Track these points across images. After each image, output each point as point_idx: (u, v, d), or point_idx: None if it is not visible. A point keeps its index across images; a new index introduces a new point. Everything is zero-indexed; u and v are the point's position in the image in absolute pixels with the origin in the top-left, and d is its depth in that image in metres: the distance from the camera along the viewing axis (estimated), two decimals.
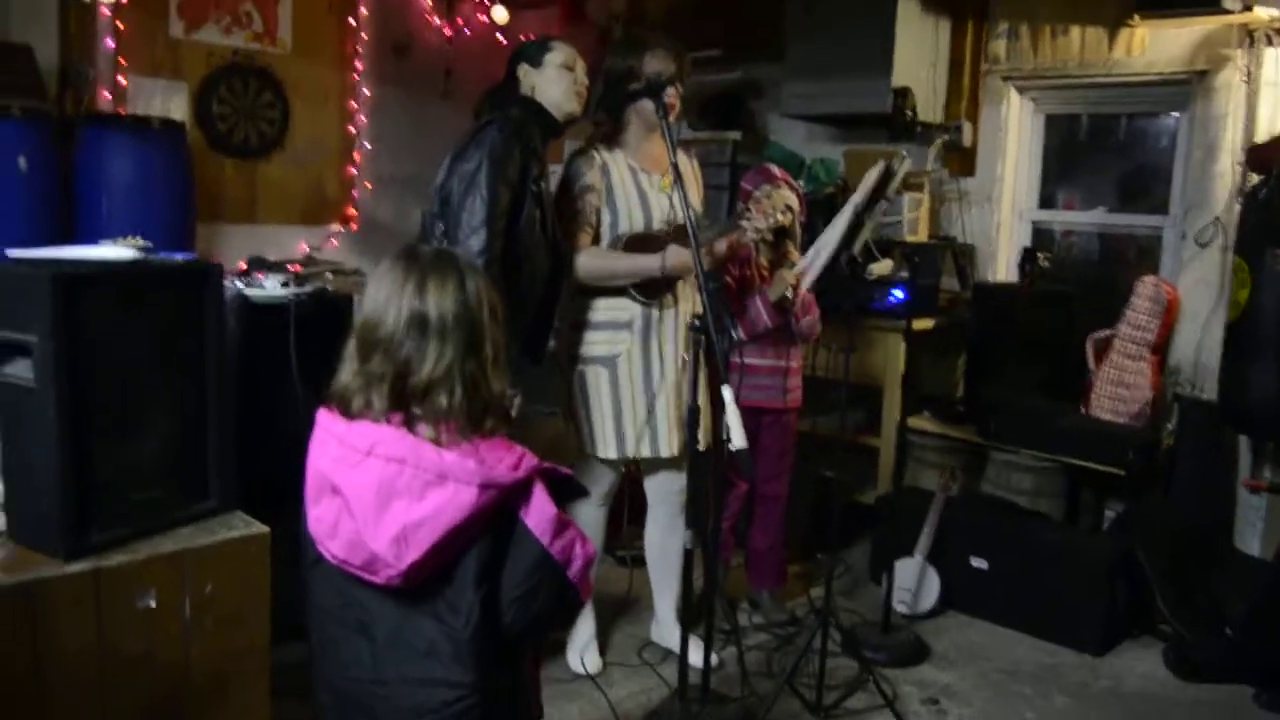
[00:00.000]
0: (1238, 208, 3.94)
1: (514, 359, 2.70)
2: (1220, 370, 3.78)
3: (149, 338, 2.41)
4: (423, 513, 1.46)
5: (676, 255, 2.93)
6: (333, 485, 1.54)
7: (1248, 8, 3.83)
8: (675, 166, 2.63)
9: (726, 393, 2.31)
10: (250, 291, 3.24)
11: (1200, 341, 4.16)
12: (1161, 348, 4.22)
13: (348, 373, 1.59)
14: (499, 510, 1.51)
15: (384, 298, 1.58)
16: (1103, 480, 4.08)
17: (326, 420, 1.60)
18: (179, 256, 2.63)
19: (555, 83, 2.88)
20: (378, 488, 1.48)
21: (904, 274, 3.99)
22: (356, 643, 1.60)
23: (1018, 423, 4.06)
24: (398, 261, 1.62)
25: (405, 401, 1.55)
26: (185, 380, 2.50)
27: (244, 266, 3.81)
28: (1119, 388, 4.23)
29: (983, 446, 4.24)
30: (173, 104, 5.06)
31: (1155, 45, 4.24)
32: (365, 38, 5.82)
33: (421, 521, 1.46)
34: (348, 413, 1.57)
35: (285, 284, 3.28)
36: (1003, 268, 4.77)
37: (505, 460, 1.53)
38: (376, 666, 1.58)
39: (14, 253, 2.35)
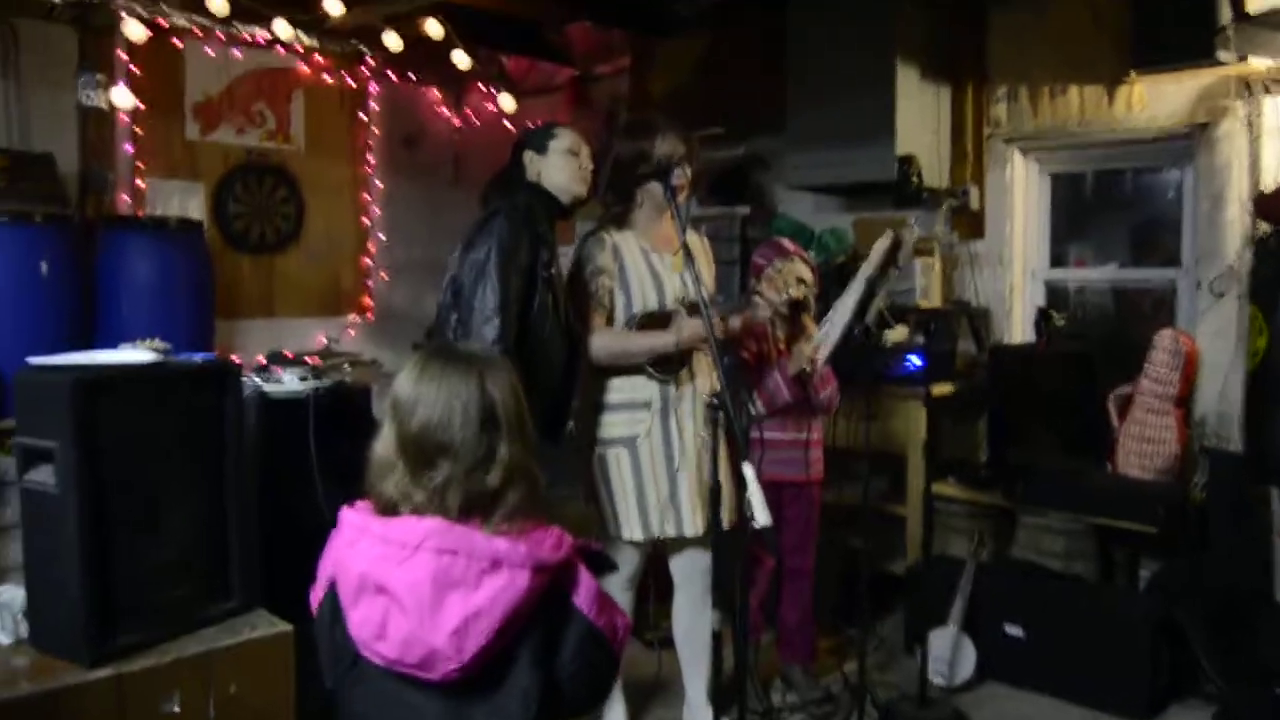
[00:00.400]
0: (1249, 256, 3.93)
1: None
2: (1244, 420, 3.74)
3: (169, 438, 2.43)
4: (480, 602, 1.46)
5: (690, 327, 2.94)
6: (377, 585, 1.51)
7: (1243, 59, 3.86)
8: (686, 246, 2.65)
9: (747, 470, 2.29)
10: (269, 387, 3.26)
11: (1223, 392, 4.12)
12: (1185, 400, 4.18)
13: (398, 481, 1.57)
14: (549, 591, 1.53)
15: (443, 401, 1.56)
16: (1135, 539, 4.01)
17: (359, 520, 1.58)
18: (198, 357, 2.66)
19: (561, 168, 2.92)
20: (432, 581, 1.47)
21: (919, 340, 3.99)
22: None
23: (1045, 485, 4.01)
24: (447, 364, 1.60)
25: (476, 500, 1.55)
26: (205, 479, 2.52)
27: (262, 362, 3.85)
28: (1145, 443, 4.18)
29: (1011, 510, 4.18)
30: (190, 204, 5.17)
31: (1154, 100, 4.27)
32: (376, 131, 5.94)
33: (480, 611, 1.46)
34: (391, 513, 1.57)
35: (304, 378, 3.30)
36: (1018, 328, 4.76)
37: (547, 541, 1.55)
38: None
39: (35, 360, 2.39)
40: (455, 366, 1.59)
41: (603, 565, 1.68)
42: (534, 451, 1.62)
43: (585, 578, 1.57)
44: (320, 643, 1.65)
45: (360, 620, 1.54)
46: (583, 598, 1.55)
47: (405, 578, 1.48)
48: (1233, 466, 3.90)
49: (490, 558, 1.47)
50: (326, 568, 1.63)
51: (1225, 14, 3.82)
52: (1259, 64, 3.90)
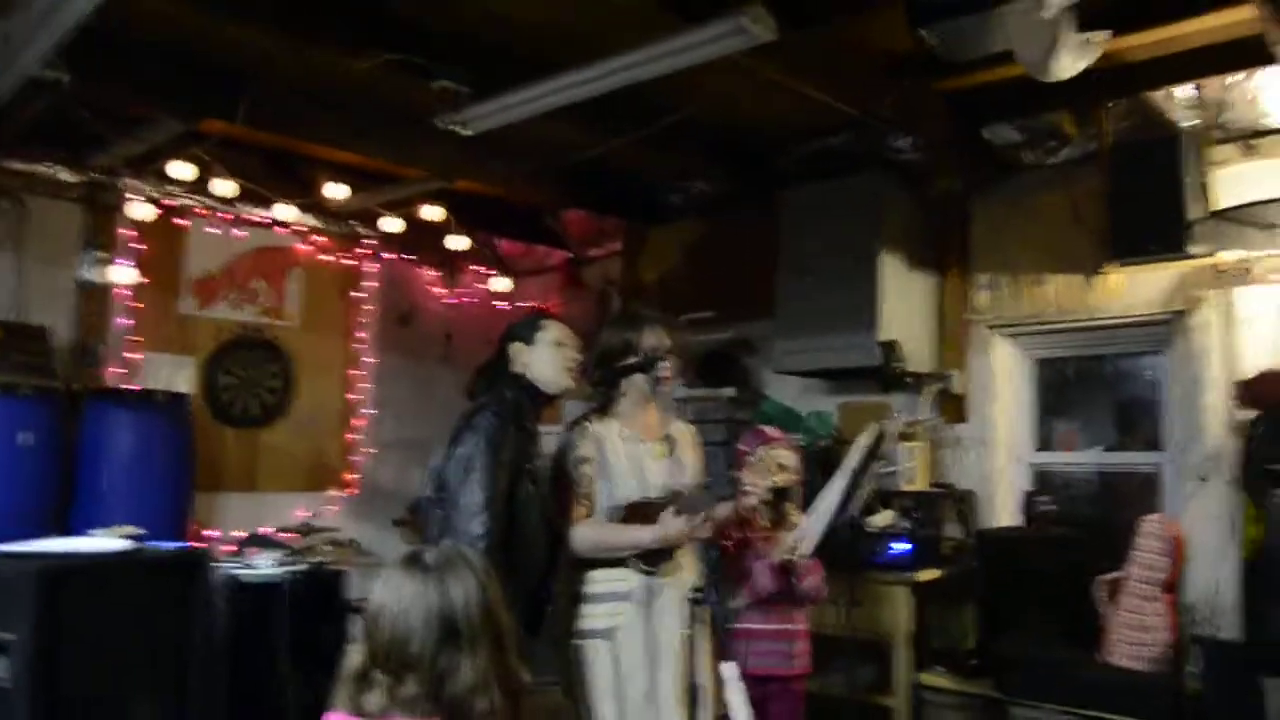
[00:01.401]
0: (1231, 441, 3.95)
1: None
2: (1243, 611, 3.67)
3: (134, 630, 2.37)
4: None
5: (670, 525, 2.90)
6: None
7: (1212, 252, 3.98)
8: (669, 437, 2.65)
9: (726, 670, 2.23)
10: (242, 572, 3.20)
11: (1214, 578, 4.06)
12: (1174, 586, 4.11)
13: (377, 695, 1.55)
14: None
15: (404, 613, 1.57)
16: None
17: None
18: (169, 546, 2.63)
19: (548, 361, 2.94)
20: None
21: (905, 524, 3.95)
22: None
23: (1037, 676, 3.90)
24: (409, 574, 1.62)
25: (445, 707, 1.54)
26: (169, 673, 2.44)
27: (238, 546, 3.80)
28: (1137, 631, 4.08)
29: (1002, 702, 4.05)
30: (179, 377, 5.22)
31: (1132, 289, 4.37)
32: (370, 309, 6.05)
33: None
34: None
35: (279, 563, 3.25)
36: (1004, 512, 4.72)
37: None
38: None
39: (1, 547, 2.35)
40: (415, 576, 1.59)
41: None
42: (509, 651, 1.61)
43: None
44: None
45: None
46: None
47: None
48: (1228, 656, 3.80)
49: None
50: None
51: (1196, 210, 3.96)
52: (1228, 257, 4.02)
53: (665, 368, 2.99)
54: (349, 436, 5.90)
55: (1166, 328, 4.34)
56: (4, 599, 2.20)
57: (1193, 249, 3.96)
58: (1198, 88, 4.05)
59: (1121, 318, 4.43)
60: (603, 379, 3.15)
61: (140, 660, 2.37)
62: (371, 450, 5.98)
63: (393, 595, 1.59)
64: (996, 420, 4.78)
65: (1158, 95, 4.07)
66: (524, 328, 2.99)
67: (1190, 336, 4.22)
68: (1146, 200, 4.07)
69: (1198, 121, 4.07)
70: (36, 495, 4.33)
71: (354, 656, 1.59)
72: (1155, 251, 4.10)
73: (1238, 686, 3.80)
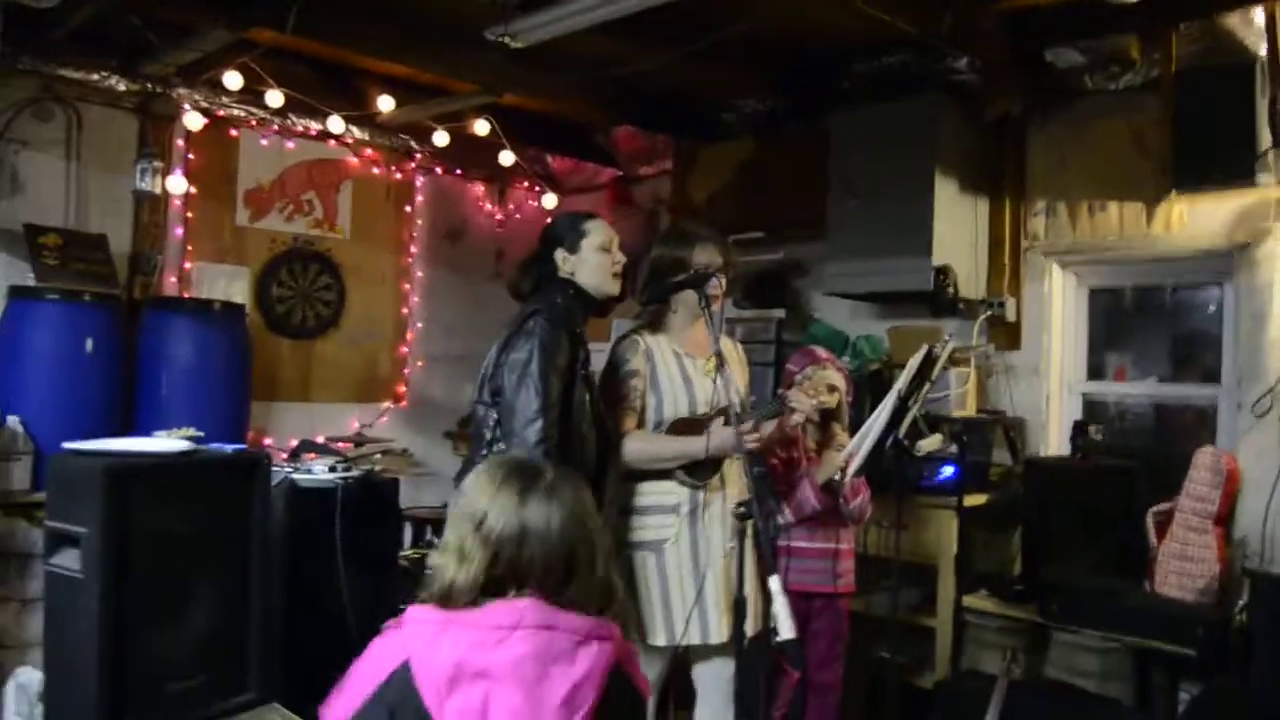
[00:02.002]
0: None
1: None
2: None
3: (196, 528, 2.44)
4: (579, 673, 1.59)
5: (720, 435, 2.92)
6: (475, 671, 1.57)
7: None
8: (719, 354, 2.66)
9: (773, 583, 2.26)
10: (299, 476, 3.27)
11: (1267, 512, 4.02)
12: (1225, 519, 4.08)
13: (473, 574, 1.65)
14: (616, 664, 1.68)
15: (550, 530, 1.67)
16: (1174, 661, 3.88)
17: (438, 616, 1.63)
18: (229, 447, 2.68)
19: (595, 268, 2.93)
20: (536, 657, 1.57)
21: (953, 449, 3.94)
22: None
23: (1080, 602, 3.90)
24: (532, 492, 1.70)
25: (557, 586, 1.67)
26: (229, 570, 2.52)
27: (294, 444, 3.87)
28: (1184, 562, 4.07)
29: (1044, 626, 4.07)
30: (234, 288, 5.28)
31: (1194, 219, 4.26)
32: (420, 224, 6.06)
33: (584, 679, 1.59)
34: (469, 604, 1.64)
35: (333, 469, 3.31)
36: (1054, 440, 4.69)
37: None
38: None
39: (69, 445, 2.42)
40: (538, 495, 1.70)
41: None
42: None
43: (627, 645, 1.74)
44: None
45: (460, 711, 1.57)
46: (629, 660, 1.71)
47: (505, 658, 1.56)
48: (1278, 590, 3.78)
49: (584, 631, 1.61)
50: (369, 676, 1.64)
51: (1265, 138, 3.84)
52: None
53: (716, 285, 2.98)
54: (401, 349, 5.97)
55: (1229, 260, 4.23)
56: (74, 494, 2.27)
57: (1261, 179, 3.84)
58: (1273, 13, 3.89)
59: (1182, 249, 4.32)
60: (653, 295, 3.15)
61: (202, 556, 2.45)
62: (420, 363, 6.05)
63: (532, 514, 1.67)
64: (1049, 348, 4.72)
65: (1232, 19, 3.92)
66: (567, 231, 2.96)
67: (1255, 270, 4.11)
68: (1214, 128, 3.95)
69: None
70: (100, 401, 4.43)
71: (465, 571, 1.65)
72: (1221, 181, 3.99)
73: None
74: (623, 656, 1.70)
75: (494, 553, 1.65)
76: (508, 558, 1.64)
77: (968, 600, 4.12)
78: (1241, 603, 3.91)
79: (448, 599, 1.64)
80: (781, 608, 2.24)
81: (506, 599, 1.63)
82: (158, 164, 4.84)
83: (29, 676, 2.48)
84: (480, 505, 1.69)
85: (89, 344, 4.37)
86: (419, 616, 1.64)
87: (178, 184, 5.01)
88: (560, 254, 2.93)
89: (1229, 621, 3.82)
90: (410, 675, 1.59)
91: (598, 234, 2.97)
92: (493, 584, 1.64)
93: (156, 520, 2.34)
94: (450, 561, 1.66)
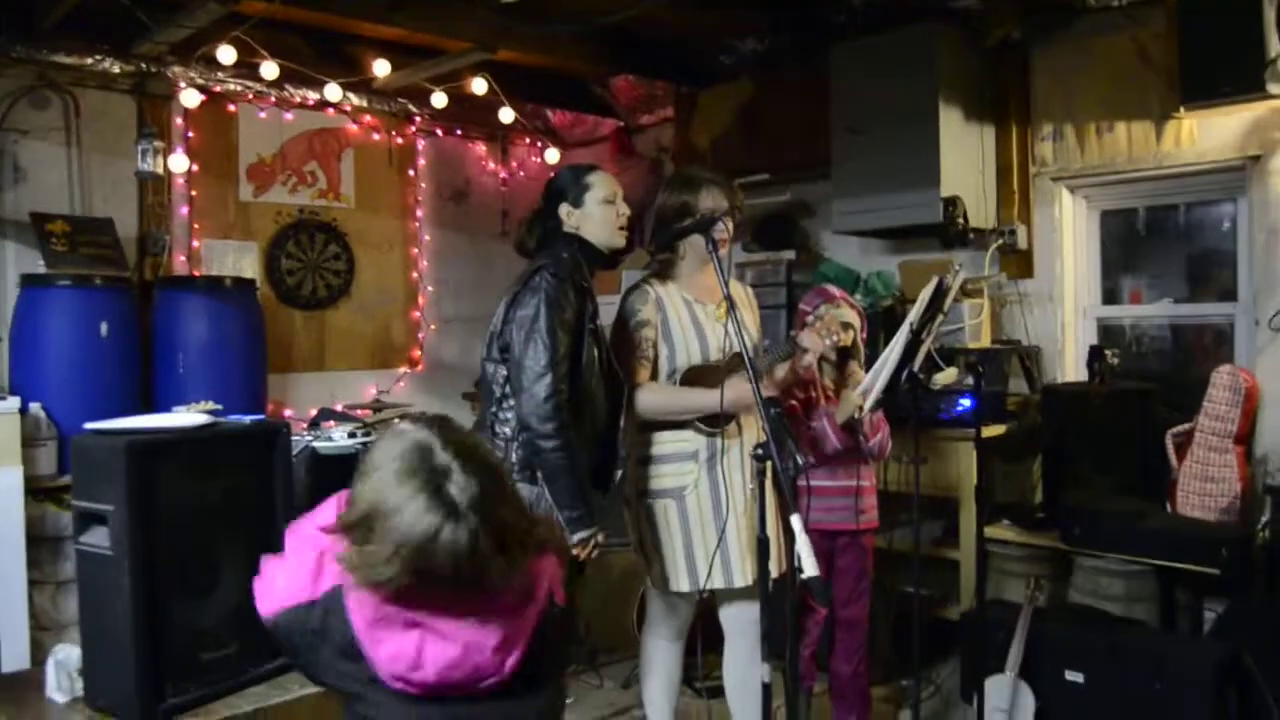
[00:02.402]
0: None
1: (587, 492, 2.71)
2: None
3: (220, 499, 2.47)
4: (517, 621, 1.62)
5: (735, 390, 2.92)
6: (406, 620, 1.56)
7: None
8: (729, 298, 2.65)
9: (795, 522, 2.26)
10: (319, 444, 3.30)
11: None
12: (1245, 438, 4.07)
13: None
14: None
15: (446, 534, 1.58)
16: (1198, 581, 3.90)
17: None
18: (248, 419, 2.71)
19: (600, 221, 2.92)
20: (477, 611, 1.59)
21: (969, 381, 3.93)
22: None
23: (1103, 526, 3.91)
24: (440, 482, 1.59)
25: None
26: (255, 538, 2.54)
27: (313, 414, 3.90)
28: (1205, 482, 4.07)
29: (1067, 553, 4.09)
30: (244, 263, 5.30)
31: (1204, 134, 4.21)
32: (424, 187, 6.05)
33: (517, 628, 1.62)
34: None
35: (352, 434, 3.33)
36: (1071, 367, 4.68)
37: (548, 560, 1.73)
38: None
39: (91, 425, 2.45)
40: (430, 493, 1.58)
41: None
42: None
43: (553, 568, 1.73)
44: (306, 648, 1.64)
45: (392, 656, 1.57)
46: (556, 590, 1.72)
47: (442, 611, 1.58)
48: None
49: (523, 590, 1.64)
50: (303, 577, 1.63)
51: (1274, 45, 3.76)
52: None
53: (722, 228, 2.96)
54: (414, 314, 5.99)
55: (1241, 174, 4.18)
56: (98, 473, 2.30)
57: (1272, 88, 3.77)
58: None
59: (1193, 164, 4.27)
60: (660, 243, 3.14)
61: (228, 526, 2.48)
62: (434, 327, 6.07)
63: (445, 533, 1.56)
64: (1062, 275, 4.69)
65: None
66: (570, 185, 2.94)
67: (1267, 182, 4.06)
68: (1222, 37, 3.87)
69: None
70: (118, 383, 4.47)
71: (373, 567, 1.55)
72: (1231, 92, 3.91)
73: None
74: (553, 584, 1.71)
75: (396, 550, 1.54)
76: (422, 565, 1.54)
77: (990, 531, 4.13)
78: (1264, 519, 3.91)
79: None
80: (804, 546, 2.24)
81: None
82: (158, 144, 4.83)
83: (67, 653, 2.53)
84: (390, 503, 1.56)
85: (104, 328, 4.40)
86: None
87: (179, 163, 5.01)
88: (564, 208, 2.92)
89: (1252, 539, 3.82)
90: (343, 602, 1.57)
91: (601, 186, 2.95)
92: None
93: (181, 494, 2.37)
94: (358, 552, 1.56)
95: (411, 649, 1.56)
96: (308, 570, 1.63)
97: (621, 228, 2.97)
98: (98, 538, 2.33)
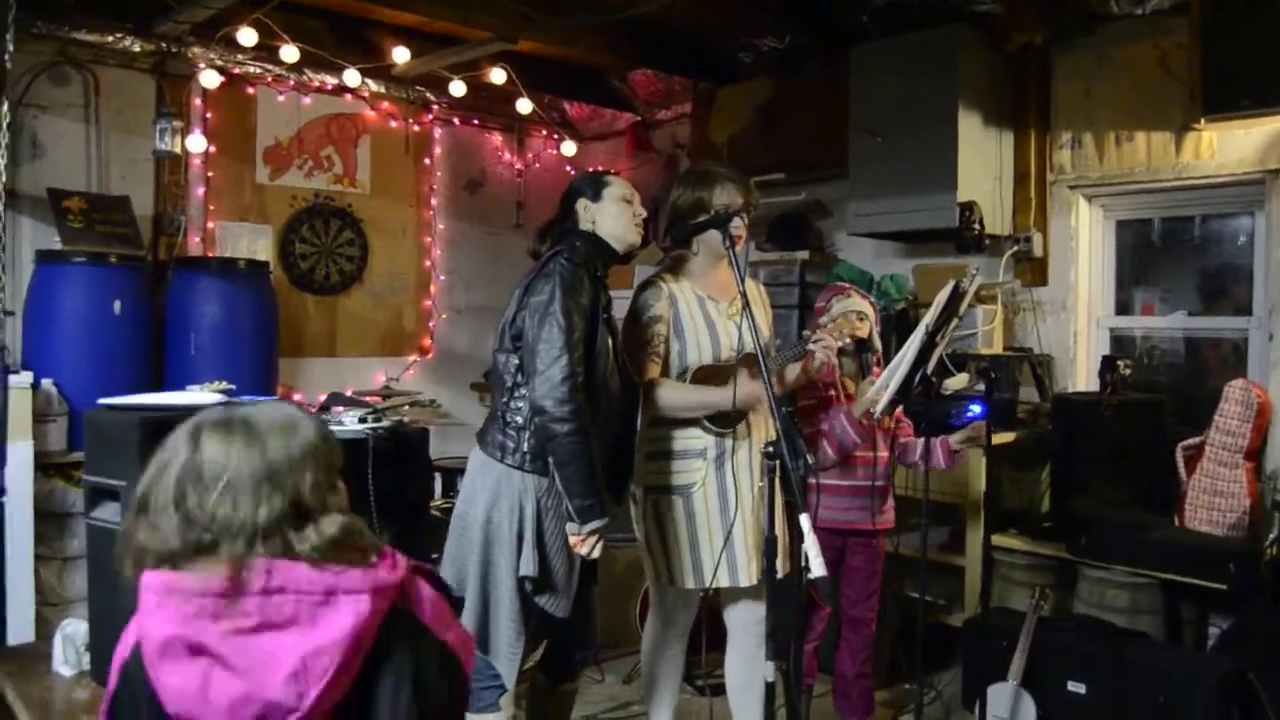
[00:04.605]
0: None
1: (600, 482, 2.68)
2: None
3: None
4: (323, 637, 1.33)
5: (746, 389, 2.91)
6: (190, 646, 1.33)
7: None
8: (744, 295, 2.64)
9: (804, 521, 2.26)
10: (330, 429, 3.30)
11: None
12: (1256, 453, 4.06)
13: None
14: (395, 614, 1.41)
15: (212, 455, 1.40)
16: (1203, 595, 3.89)
17: (160, 579, 1.35)
18: (260, 399, 2.71)
19: (616, 216, 2.90)
20: (256, 627, 1.32)
21: (980, 387, 3.92)
22: None
23: (1110, 538, 3.91)
24: (217, 421, 1.46)
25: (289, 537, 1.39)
26: None
27: (322, 399, 3.91)
28: (1214, 497, 4.06)
29: (1073, 563, 4.08)
30: (258, 245, 5.31)
31: (1224, 146, 4.19)
32: (440, 176, 6.05)
33: (320, 648, 1.32)
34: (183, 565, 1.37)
35: (363, 419, 3.34)
36: (1082, 377, 4.67)
37: (383, 564, 1.43)
38: None
39: (105, 400, 2.45)
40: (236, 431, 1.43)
41: (442, 585, 1.55)
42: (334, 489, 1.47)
43: (428, 594, 1.47)
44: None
45: (178, 691, 1.34)
46: (430, 615, 1.45)
47: (223, 629, 1.32)
48: None
49: (322, 588, 1.34)
50: (114, 667, 1.46)
51: None
52: None
53: (739, 224, 2.96)
54: (425, 303, 5.99)
55: (1261, 187, 4.17)
56: (112, 449, 2.30)
57: None
58: None
59: (1212, 177, 4.25)
60: (676, 237, 3.13)
61: None
62: (445, 316, 6.07)
63: (210, 454, 1.40)
64: (1076, 284, 4.68)
65: None
66: (589, 184, 2.94)
67: None
68: (1245, 49, 3.86)
69: None
70: (130, 361, 4.48)
71: (151, 531, 1.38)
72: (1252, 105, 3.89)
73: None
74: (409, 604, 1.44)
75: (176, 502, 1.36)
76: (195, 507, 1.35)
77: (996, 538, 4.12)
78: (1272, 536, 3.90)
79: (142, 563, 1.37)
80: (812, 545, 2.24)
81: (223, 558, 1.34)
82: (176, 124, 4.85)
83: (75, 628, 2.54)
84: (160, 456, 1.42)
85: (117, 305, 4.41)
86: (147, 583, 1.36)
87: (197, 143, 5.02)
88: (582, 203, 2.91)
89: (1259, 555, 3.81)
90: (141, 658, 1.37)
91: (620, 186, 2.96)
92: (201, 544, 1.35)
93: None
94: (132, 519, 1.41)
95: (196, 681, 1.32)
96: (115, 663, 1.44)
97: (638, 227, 2.97)
98: (109, 513, 2.33)
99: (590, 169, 3.11)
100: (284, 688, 1.31)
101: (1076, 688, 3.65)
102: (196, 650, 1.33)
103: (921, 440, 3.54)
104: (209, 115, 5.16)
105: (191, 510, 1.36)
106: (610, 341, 2.81)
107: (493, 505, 2.71)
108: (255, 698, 1.32)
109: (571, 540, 2.69)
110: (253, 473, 1.37)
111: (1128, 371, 4.28)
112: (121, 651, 1.44)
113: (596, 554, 2.74)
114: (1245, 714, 3.48)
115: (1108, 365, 4.28)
